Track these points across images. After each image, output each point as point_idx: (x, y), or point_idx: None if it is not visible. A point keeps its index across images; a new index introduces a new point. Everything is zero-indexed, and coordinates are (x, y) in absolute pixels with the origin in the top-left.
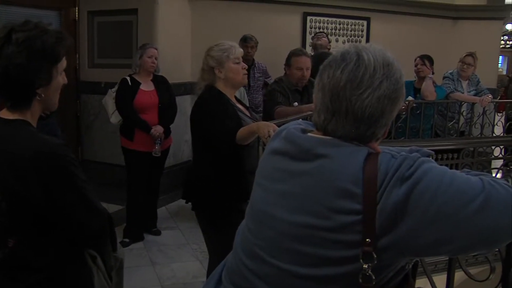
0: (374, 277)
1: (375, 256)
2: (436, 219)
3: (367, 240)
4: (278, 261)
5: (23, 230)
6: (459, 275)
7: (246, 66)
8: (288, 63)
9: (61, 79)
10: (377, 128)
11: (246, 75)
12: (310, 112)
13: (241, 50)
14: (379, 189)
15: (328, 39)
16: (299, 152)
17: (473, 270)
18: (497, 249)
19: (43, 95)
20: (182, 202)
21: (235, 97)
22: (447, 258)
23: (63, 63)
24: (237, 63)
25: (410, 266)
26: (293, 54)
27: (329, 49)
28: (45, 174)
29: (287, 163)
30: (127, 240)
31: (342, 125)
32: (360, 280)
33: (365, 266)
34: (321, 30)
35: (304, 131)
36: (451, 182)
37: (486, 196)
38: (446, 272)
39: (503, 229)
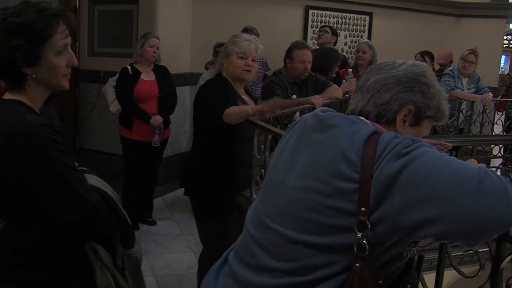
0: (368, 247)
1: (369, 226)
2: (426, 198)
3: (362, 209)
4: (279, 226)
5: (7, 211)
6: (447, 274)
7: (251, 63)
8: (290, 56)
9: (57, 59)
10: (377, 100)
11: (247, 72)
12: (308, 105)
13: (252, 46)
14: (376, 161)
15: (333, 32)
16: (317, 123)
17: (463, 269)
18: (487, 247)
19: (34, 75)
20: (178, 193)
21: (245, 89)
22: (436, 256)
23: (58, 41)
24: (241, 58)
25: (409, 256)
26: (295, 47)
27: (334, 43)
28: (20, 154)
29: (308, 134)
30: None
31: (358, 100)
32: (355, 249)
33: (359, 235)
34: (325, 24)
35: None
36: (446, 165)
37: (480, 182)
38: (433, 271)
39: (491, 217)
